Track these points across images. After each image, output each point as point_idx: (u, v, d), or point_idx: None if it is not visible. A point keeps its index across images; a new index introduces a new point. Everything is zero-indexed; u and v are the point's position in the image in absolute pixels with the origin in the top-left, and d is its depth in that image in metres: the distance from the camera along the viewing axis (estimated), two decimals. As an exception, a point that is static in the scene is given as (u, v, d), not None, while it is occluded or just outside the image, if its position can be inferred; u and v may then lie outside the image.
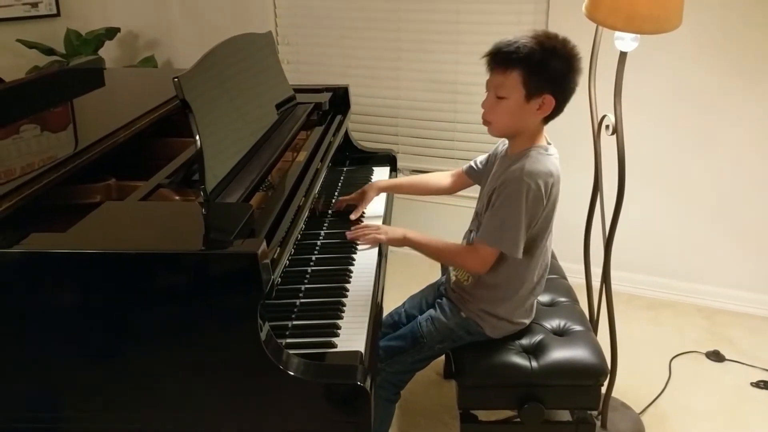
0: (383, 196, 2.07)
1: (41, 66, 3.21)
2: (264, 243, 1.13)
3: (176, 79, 1.32)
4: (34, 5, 3.34)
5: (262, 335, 1.15)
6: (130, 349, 1.18)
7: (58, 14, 3.42)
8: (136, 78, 2.55)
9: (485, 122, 1.64)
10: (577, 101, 1.96)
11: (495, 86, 1.58)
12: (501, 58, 1.56)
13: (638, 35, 1.72)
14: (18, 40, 3.15)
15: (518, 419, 1.72)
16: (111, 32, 3.40)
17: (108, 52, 3.46)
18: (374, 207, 2.02)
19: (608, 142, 1.90)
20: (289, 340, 1.34)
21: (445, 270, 2.02)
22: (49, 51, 3.22)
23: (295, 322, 1.42)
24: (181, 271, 1.14)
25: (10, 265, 1.14)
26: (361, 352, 1.30)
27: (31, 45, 3.17)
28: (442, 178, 2.02)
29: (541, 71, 1.53)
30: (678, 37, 1.75)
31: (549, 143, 1.66)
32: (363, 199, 1.95)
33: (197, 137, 1.33)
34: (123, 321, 1.16)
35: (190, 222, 1.27)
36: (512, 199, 1.57)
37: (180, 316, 1.16)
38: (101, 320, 1.16)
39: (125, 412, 1.23)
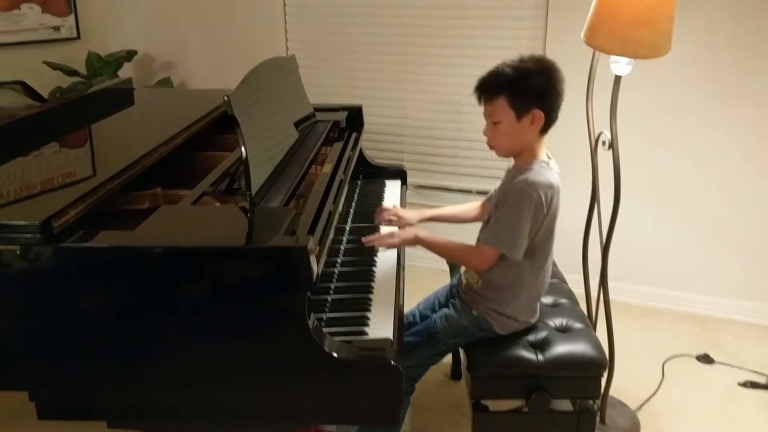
0: (397, 201, 2.25)
1: (65, 87, 3.37)
2: (312, 238, 1.28)
3: (226, 98, 1.49)
4: (56, 29, 3.50)
5: (310, 323, 1.30)
6: (198, 331, 1.33)
7: (78, 37, 3.59)
8: (162, 98, 2.71)
9: (490, 147, 1.83)
10: (576, 119, 2.13)
11: (488, 114, 1.78)
12: (485, 90, 1.77)
13: (632, 59, 1.87)
14: (44, 62, 3.31)
15: (526, 409, 1.87)
16: (130, 54, 3.57)
17: (125, 73, 3.61)
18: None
19: (605, 157, 2.05)
20: (325, 329, 1.49)
21: (455, 273, 2.17)
22: (71, 72, 3.37)
23: (329, 315, 1.58)
24: (243, 263, 1.29)
25: (89, 257, 1.29)
26: (390, 339, 1.46)
27: (55, 66, 3.33)
28: (474, 207, 2.15)
29: (522, 91, 1.72)
30: (669, 60, 1.89)
31: (550, 158, 1.84)
32: (402, 216, 2.10)
33: (243, 148, 1.50)
34: (191, 308, 1.31)
35: (243, 222, 1.44)
36: (514, 206, 1.74)
37: (239, 304, 1.30)
38: (173, 307, 1.31)
39: (193, 386, 1.38)
